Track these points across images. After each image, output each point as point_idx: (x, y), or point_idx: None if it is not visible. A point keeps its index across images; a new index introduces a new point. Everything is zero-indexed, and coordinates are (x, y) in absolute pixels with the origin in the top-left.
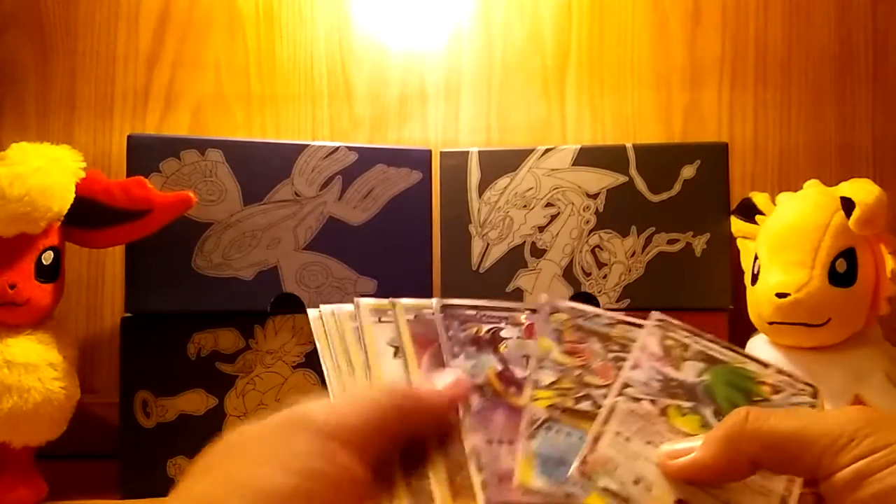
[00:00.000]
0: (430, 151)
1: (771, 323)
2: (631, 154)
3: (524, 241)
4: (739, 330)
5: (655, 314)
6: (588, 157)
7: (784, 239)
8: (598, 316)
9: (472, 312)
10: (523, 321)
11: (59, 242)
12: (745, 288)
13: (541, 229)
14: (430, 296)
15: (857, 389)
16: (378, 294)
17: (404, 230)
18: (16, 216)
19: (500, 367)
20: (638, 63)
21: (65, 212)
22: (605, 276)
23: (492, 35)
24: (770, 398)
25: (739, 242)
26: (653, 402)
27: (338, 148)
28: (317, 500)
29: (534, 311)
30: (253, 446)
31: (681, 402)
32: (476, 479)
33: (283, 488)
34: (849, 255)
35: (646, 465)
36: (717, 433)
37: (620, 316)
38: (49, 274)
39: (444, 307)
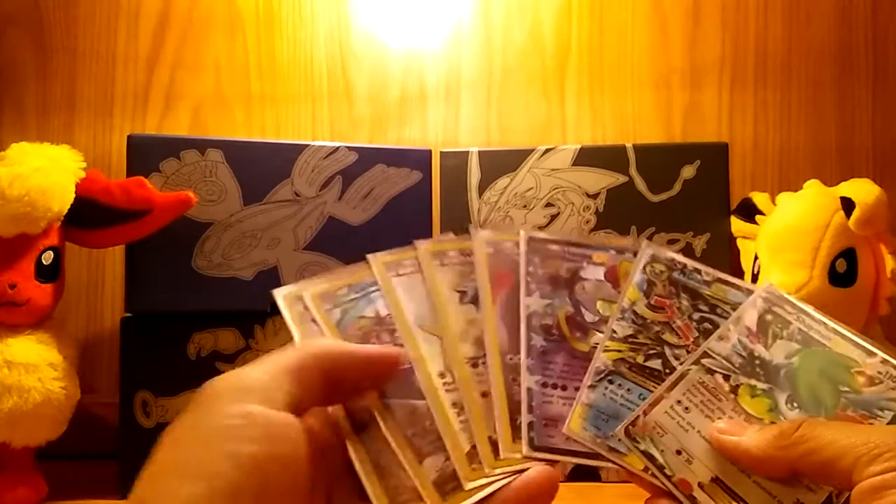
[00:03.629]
0: (430, 151)
1: None
2: (631, 154)
3: None
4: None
5: (767, 286)
6: (588, 157)
7: (784, 239)
8: (697, 271)
9: (557, 248)
10: (606, 262)
11: (59, 242)
12: None
13: (541, 229)
14: None
15: None
16: None
17: (404, 230)
18: (16, 216)
19: (571, 310)
20: (638, 63)
21: (65, 212)
22: None
23: (492, 35)
24: (861, 391)
25: (739, 242)
26: (727, 377)
27: (338, 148)
28: (261, 460)
29: (620, 251)
30: (187, 432)
31: (756, 381)
32: (525, 420)
33: (223, 460)
34: (849, 255)
35: (695, 438)
36: (771, 430)
37: (721, 274)
38: (49, 274)
39: (531, 240)
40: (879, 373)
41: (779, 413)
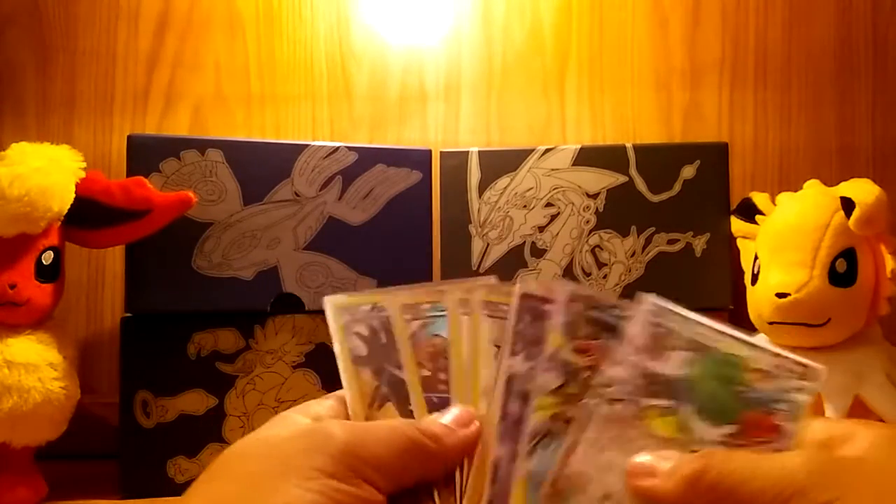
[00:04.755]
0: (430, 151)
1: (771, 323)
2: (631, 154)
3: (524, 241)
4: (739, 330)
5: (648, 298)
6: (588, 157)
7: (784, 239)
8: (614, 307)
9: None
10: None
11: (59, 242)
12: (745, 288)
13: (541, 229)
14: None
15: (857, 389)
16: None
17: (404, 230)
18: (16, 216)
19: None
20: (638, 63)
21: (65, 212)
22: (605, 276)
23: (492, 35)
24: (758, 387)
25: (739, 242)
26: (633, 403)
27: (338, 148)
28: None
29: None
30: (275, 457)
31: (661, 401)
32: (486, 496)
33: (306, 502)
34: (849, 255)
35: (618, 478)
36: (682, 471)
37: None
38: (49, 274)
39: (524, 296)
40: (774, 366)
41: (689, 431)
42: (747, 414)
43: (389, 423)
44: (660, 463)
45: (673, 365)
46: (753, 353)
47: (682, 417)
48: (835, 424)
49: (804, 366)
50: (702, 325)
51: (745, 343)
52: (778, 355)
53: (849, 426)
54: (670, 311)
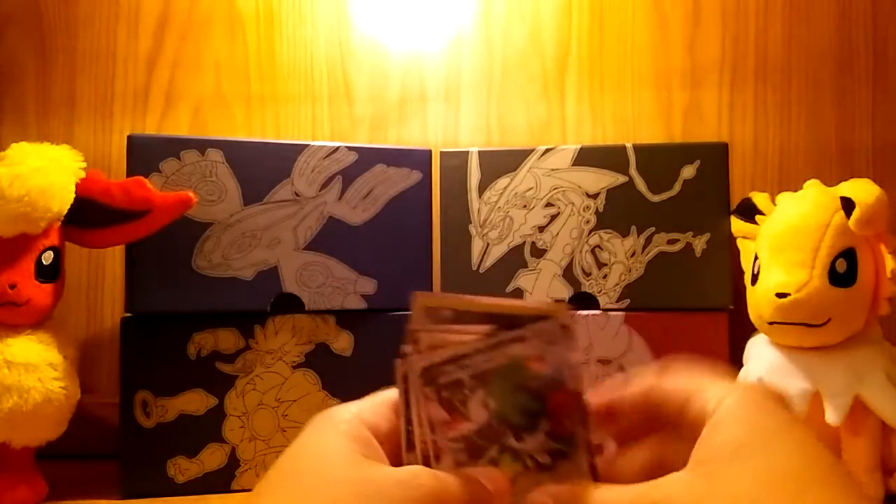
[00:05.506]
0: (430, 151)
1: (771, 323)
2: (631, 154)
3: (524, 241)
4: (739, 330)
5: (416, 362)
6: (588, 157)
7: (784, 239)
8: (416, 361)
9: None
10: None
11: (59, 242)
12: (745, 288)
13: (541, 229)
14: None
15: (857, 389)
16: (378, 294)
17: (404, 230)
18: (16, 216)
19: None
20: (638, 63)
21: (65, 212)
22: (605, 276)
23: (492, 35)
24: (542, 373)
25: (739, 242)
26: (487, 461)
27: (338, 148)
28: None
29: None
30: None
31: (488, 452)
32: None
33: None
34: (849, 255)
35: None
36: None
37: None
38: (49, 274)
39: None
40: (536, 342)
41: (521, 454)
42: (549, 401)
43: (409, 470)
44: None
45: (477, 413)
46: (516, 349)
47: (508, 452)
48: (685, 397)
49: (561, 325)
50: (469, 356)
51: (505, 343)
52: (536, 333)
53: (700, 402)
54: (430, 366)
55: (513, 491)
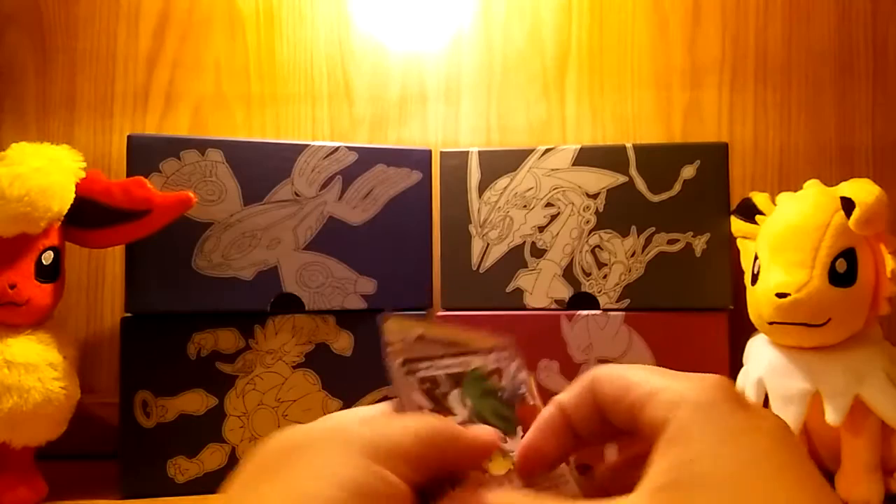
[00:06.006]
0: (430, 151)
1: (771, 323)
2: (631, 154)
3: (524, 241)
4: (739, 330)
5: (391, 364)
6: (588, 157)
7: (784, 239)
8: (395, 354)
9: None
10: None
11: (59, 242)
12: (745, 288)
13: (541, 229)
14: (429, 297)
15: (857, 389)
16: (378, 294)
17: (404, 230)
18: (16, 216)
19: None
20: (638, 63)
21: (65, 212)
22: (605, 276)
23: (492, 35)
24: (503, 387)
25: (739, 242)
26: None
27: (338, 148)
28: None
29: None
30: (300, 459)
31: None
32: None
33: (335, 501)
34: (849, 255)
35: None
36: None
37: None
38: (49, 274)
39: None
40: (492, 360)
41: (507, 455)
42: (517, 410)
43: (417, 417)
44: None
45: (458, 408)
46: (478, 358)
47: (497, 452)
48: (664, 379)
49: (505, 350)
50: (441, 353)
51: (474, 352)
52: (489, 353)
53: (671, 396)
54: (415, 359)
55: (514, 486)
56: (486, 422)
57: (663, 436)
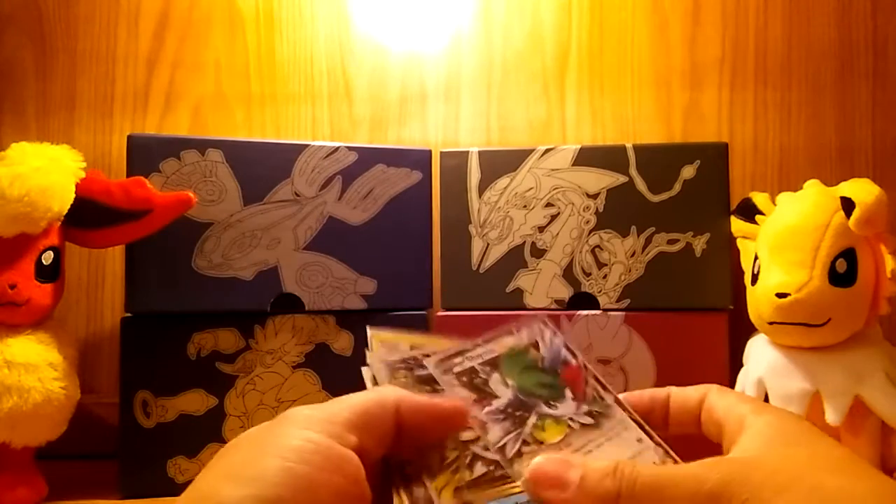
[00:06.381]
0: (430, 151)
1: (771, 323)
2: (631, 154)
3: (524, 241)
4: (739, 330)
5: (427, 360)
6: (588, 157)
7: (784, 239)
8: (427, 356)
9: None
10: None
11: (59, 242)
12: (745, 288)
13: (541, 229)
14: (429, 297)
15: (857, 390)
16: (378, 294)
17: (404, 230)
18: (16, 216)
19: None
20: (638, 63)
21: (65, 212)
22: (605, 276)
23: (492, 35)
24: (542, 356)
25: (739, 242)
26: (525, 442)
27: (338, 148)
28: (314, 482)
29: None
30: (247, 442)
31: (529, 420)
32: None
33: (277, 471)
34: (849, 255)
35: None
36: (596, 490)
37: (446, 351)
38: (49, 274)
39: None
40: (535, 334)
41: (561, 420)
42: (561, 375)
43: (363, 392)
44: (568, 472)
45: (501, 390)
46: (510, 341)
47: (548, 418)
48: (727, 412)
49: (542, 322)
50: (471, 350)
51: (496, 339)
52: (519, 328)
53: (736, 406)
54: (451, 354)
55: (572, 449)
56: (531, 395)
57: (748, 417)
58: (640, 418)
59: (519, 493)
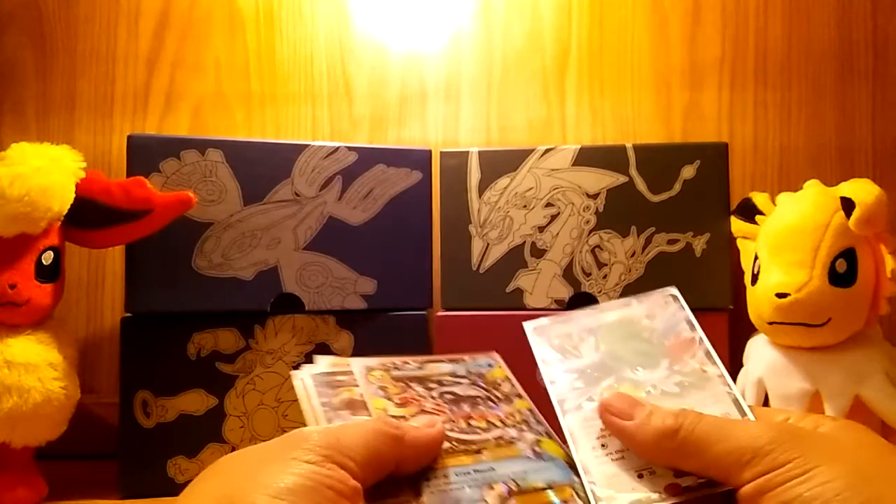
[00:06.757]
0: (430, 151)
1: (771, 323)
2: (631, 154)
3: (524, 241)
4: (739, 330)
5: (527, 325)
6: (588, 157)
7: (784, 239)
8: (406, 363)
9: (345, 378)
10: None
11: (59, 242)
12: (745, 288)
13: (541, 229)
14: (429, 297)
15: (857, 389)
16: (378, 294)
17: (404, 230)
18: (16, 216)
19: None
20: (638, 63)
21: (65, 212)
22: (605, 276)
23: (492, 35)
24: (655, 326)
25: (739, 242)
26: (590, 398)
27: (338, 148)
28: (318, 500)
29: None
30: (259, 455)
31: (605, 381)
32: None
33: (293, 486)
34: (849, 255)
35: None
36: (657, 424)
37: (423, 357)
38: (49, 274)
39: (315, 376)
40: (650, 306)
41: (641, 384)
42: (667, 346)
43: (361, 419)
44: (636, 408)
45: (588, 353)
46: (626, 310)
47: (627, 381)
48: (804, 417)
49: (670, 295)
50: (573, 316)
51: (615, 306)
52: (640, 299)
53: (815, 419)
54: (556, 321)
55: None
56: (620, 360)
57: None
58: (742, 397)
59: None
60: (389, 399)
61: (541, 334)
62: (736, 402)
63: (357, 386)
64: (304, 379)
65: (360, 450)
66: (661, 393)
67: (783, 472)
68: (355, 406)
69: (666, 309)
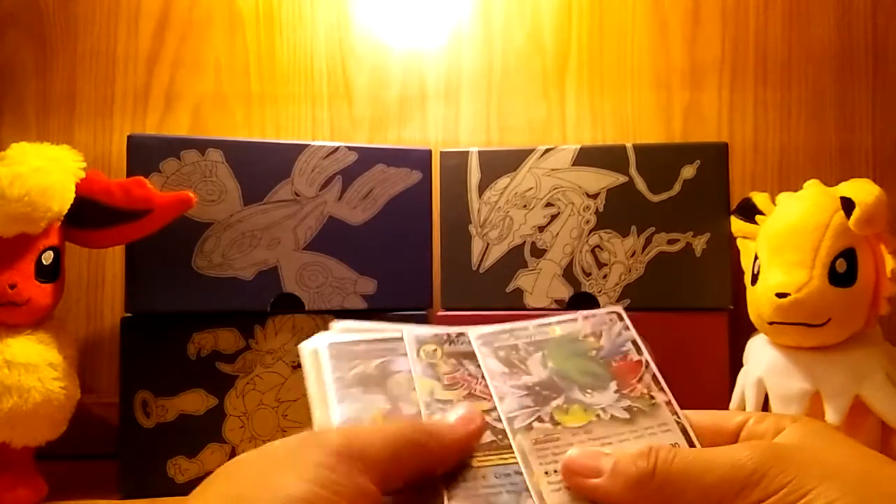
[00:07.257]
0: (430, 151)
1: (771, 323)
2: (631, 154)
3: (524, 241)
4: (739, 330)
5: (471, 331)
6: (588, 157)
7: (784, 239)
8: (461, 335)
9: (361, 348)
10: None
11: (59, 242)
12: (745, 288)
13: (541, 229)
14: (429, 297)
15: (857, 390)
16: (378, 294)
17: (404, 230)
18: (16, 216)
19: (388, 408)
20: (638, 63)
21: (65, 212)
22: (605, 276)
23: (492, 35)
24: (601, 345)
25: (739, 242)
26: (540, 419)
27: (338, 148)
28: None
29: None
30: (272, 458)
31: (556, 401)
32: None
33: (305, 493)
34: (849, 255)
35: None
36: (629, 471)
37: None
38: (49, 274)
39: (331, 345)
40: (595, 325)
41: (591, 408)
42: (613, 367)
43: (388, 425)
44: (600, 461)
45: (536, 369)
46: (571, 326)
47: (577, 403)
48: (763, 419)
49: (609, 312)
50: (520, 328)
51: (559, 322)
52: (587, 317)
53: (776, 420)
54: (497, 332)
55: (590, 437)
56: (568, 379)
57: (784, 420)
58: (690, 427)
59: (515, 463)
60: (438, 379)
61: (485, 344)
62: (684, 430)
63: (376, 359)
64: (320, 349)
65: (381, 456)
66: (611, 418)
67: (780, 499)
68: (367, 382)
69: (612, 328)
